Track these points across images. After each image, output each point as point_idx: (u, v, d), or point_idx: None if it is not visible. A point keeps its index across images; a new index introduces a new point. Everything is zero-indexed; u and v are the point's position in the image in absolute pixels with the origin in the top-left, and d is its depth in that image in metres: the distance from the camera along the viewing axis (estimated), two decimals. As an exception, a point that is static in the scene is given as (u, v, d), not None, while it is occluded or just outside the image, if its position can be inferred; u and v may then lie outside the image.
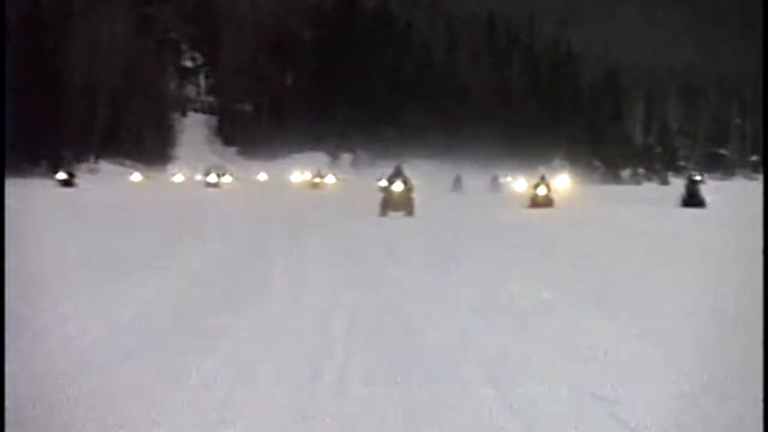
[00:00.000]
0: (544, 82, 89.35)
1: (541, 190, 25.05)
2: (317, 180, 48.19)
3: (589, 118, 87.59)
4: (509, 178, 49.90)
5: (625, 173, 79.21)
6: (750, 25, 78.14)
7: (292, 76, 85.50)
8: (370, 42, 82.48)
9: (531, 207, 24.24)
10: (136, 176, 50.65)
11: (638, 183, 73.11)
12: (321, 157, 74.53)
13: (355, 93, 78.74)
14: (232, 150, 78.65)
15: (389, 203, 19.41)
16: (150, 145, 64.29)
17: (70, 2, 64.19)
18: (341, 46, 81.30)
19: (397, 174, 20.06)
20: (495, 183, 45.82)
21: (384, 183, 37.17)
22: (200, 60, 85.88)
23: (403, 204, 19.20)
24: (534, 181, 26.57)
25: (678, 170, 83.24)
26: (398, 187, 19.52)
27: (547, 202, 24.53)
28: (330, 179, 51.57)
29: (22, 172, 43.41)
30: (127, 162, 60.12)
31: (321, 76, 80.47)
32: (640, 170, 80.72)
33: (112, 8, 65.99)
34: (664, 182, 73.80)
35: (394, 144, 71.68)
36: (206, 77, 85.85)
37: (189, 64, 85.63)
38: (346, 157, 77.68)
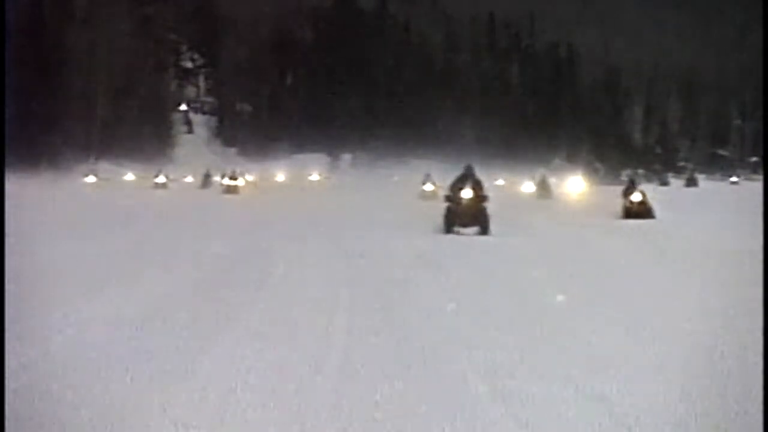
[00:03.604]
0: (544, 83, 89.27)
1: (636, 197, 20.83)
2: (233, 183, 41.45)
3: (589, 118, 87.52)
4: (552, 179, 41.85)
5: (625, 174, 79.03)
6: (750, 25, 78.11)
7: (292, 76, 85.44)
8: (369, 42, 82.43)
9: (625, 218, 20.10)
10: (91, 178, 46.00)
11: (638, 183, 72.90)
12: (321, 158, 74.55)
13: (354, 93, 78.68)
14: (232, 150, 78.63)
15: (456, 216, 15.01)
16: (149, 146, 64.23)
17: (70, 2, 64.20)
18: (341, 47, 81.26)
19: (467, 177, 15.58)
20: (544, 187, 37.47)
21: (430, 187, 32.47)
22: (200, 61, 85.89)
23: (475, 217, 14.88)
24: (625, 187, 22.26)
25: (678, 171, 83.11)
26: (468, 194, 15.11)
27: (644, 211, 20.21)
28: (240, 182, 44.31)
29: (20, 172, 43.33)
30: (126, 162, 60.06)
31: (321, 76, 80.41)
32: (640, 171, 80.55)
33: (112, 8, 65.97)
34: (664, 183, 73.71)
35: (394, 144, 71.65)
36: (206, 78, 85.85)
37: (189, 64, 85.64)
38: (346, 158, 77.65)
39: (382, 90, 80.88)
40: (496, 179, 47.43)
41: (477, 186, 15.37)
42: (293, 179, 57.89)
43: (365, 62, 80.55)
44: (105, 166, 58.83)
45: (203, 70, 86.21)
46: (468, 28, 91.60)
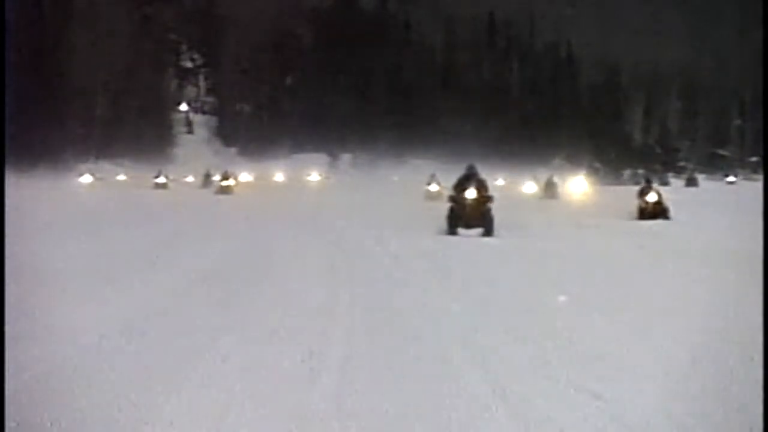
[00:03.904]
0: (544, 83, 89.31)
1: (652, 197, 20.31)
2: (225, 183, 39.85)
3: (589, 118, 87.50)
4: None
5: (625, 174, 79.07)
6: (750, 25, 78.06)
7: (292, 76, 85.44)
8: (369, 42, 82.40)
9: (639, 218, 19.73)
10: (87, 177, 45.29)
11: (638, 183, 72.95)
12: (321, 158, 74.58)
13: (355, 93, 78.71)
14: (232, 150, 78.68)
15: (459, 217, 14.64)
16: (149, 146, 64.24)
17: (70, 2, 64.18)
18: (341, 47, 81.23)
19: (470, 177, 15.17)
20: (551, 188, 36.26)
21: (435, 187, 31.15)
22: (200, 60, 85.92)
23: (479, 218, 14.46)
24: (641, 187, 21.68)
25: (678, 171, 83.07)
26: (471, 194, 14.69)
27: (660, 212, 19.83)
28: (231, 182, 41.35)
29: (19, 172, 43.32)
30: (126, 162, 60.09)
31: (321, 77, 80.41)
32: (640, 171, 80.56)
33: (112, 8, 65.97)
34: (664, 183, 73.67)
35: (394, 144, 71.69)
36: (206, 78, 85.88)
37: (189, 64, 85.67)
38: (345, 158, 77.67)
39: (382, 90, 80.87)
40: (495, 179, 47.19)
41: (481, 186, 14.92)
42: (293, 179, 57.74)
43: (365, 62, 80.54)
44: (105, 165, 58.90)
45: (203, 70, 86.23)
46: (468, 28, 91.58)
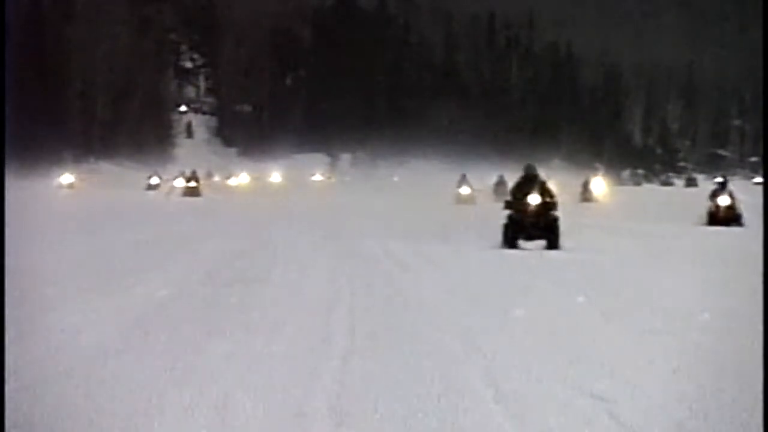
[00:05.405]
0: (544, 83, 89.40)
1: (724, 201, 17.91)
2: (193, 184, 36.51)
3: (589, 118, 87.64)
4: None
5: (625, 174, 79.22)
6: (750, 25, 78.15)
7: (292, 76, 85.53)
8: (369, 42, 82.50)
9: (710, 224, 17.44)
10: (67, 177, 41.52)
11: (638, 184, 73.14)
12: (321, 158, 74.69)
13: (354, 93, 78.79)
14: (232, 150, 78.76)
15: (521, 226, 12.36)
16: (149, 146, 64.29)
17: (70, 3, 64.25)
18: (341, 47, 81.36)
19: (531, 178, 12.87)
20: (589, 190, 33.16)
21: (467, 190, 27.97)
22: (200, 61, 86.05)
23: (543, 228, 12.23)
24: (713, 188, 19.18)
25: (678, 171, 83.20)
26: (535, 199, 12.42)
27: (732, 217, 17.53)
28: (200, 183, 38.18)
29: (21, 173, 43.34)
30: (127, 162, 60.14)
31: (321, 77, 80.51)
32: (640, 171, 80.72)
33: (112, 9, 66.04)
34: (665, 183, 73.75)
35: (394, 144, 71.75)
36: (206, 78, 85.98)
37: (189, 64, 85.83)
38: (345, 158, 77.76)
39: (382, 90, 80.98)
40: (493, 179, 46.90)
41: (545, 190, 12.63)
42: (293, 179, 56.84)
43: (365, 62, 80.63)
44: (104, 166, 58.95)
45: (203, 70, 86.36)
46: (468, 28, 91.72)
